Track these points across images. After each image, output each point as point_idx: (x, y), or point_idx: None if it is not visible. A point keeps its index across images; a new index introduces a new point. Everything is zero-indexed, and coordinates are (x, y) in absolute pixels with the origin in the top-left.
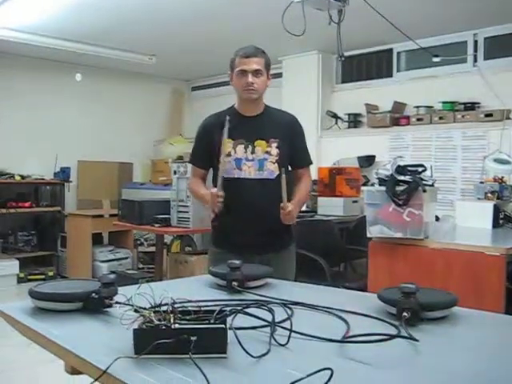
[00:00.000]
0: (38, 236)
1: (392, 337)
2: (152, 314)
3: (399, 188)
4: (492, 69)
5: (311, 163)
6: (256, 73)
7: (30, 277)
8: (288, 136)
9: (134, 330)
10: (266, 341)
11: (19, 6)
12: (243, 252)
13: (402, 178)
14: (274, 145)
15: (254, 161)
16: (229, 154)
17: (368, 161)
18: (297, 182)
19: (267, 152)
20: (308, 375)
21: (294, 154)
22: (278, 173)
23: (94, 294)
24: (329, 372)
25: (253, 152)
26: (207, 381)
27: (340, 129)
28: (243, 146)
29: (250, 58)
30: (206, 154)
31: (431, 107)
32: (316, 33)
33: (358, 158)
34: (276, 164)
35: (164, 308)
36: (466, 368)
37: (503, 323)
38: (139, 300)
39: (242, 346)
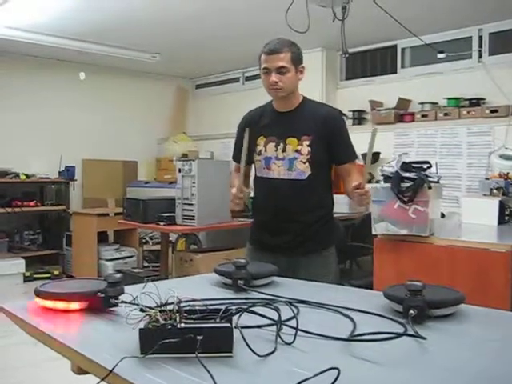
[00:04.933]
0: (43, 235)
1: (399, 335)
2: (158, 314)
3: (404, 185)
4: (497, 64)
5: (357, 158)
6: (280, 70)
7: (35, 275)
8: (325, 131)
9: (140, 329)
10: (272, 339)
11: (21, 5)
12: (272, 252)
13: (407, 174)
14: (306, 143)
15: (284, 160)
16: (260, 153)
17: (373, 158)
18: (348, 178)
19: (297, 151)
20: (315, 375)
21: (336, 150)
22: (309, 173)
23: (99, 294)
24: (335, 371)
25: (284, 150)
26: (213, 380)
27: None
28: (274, 143)
29: (274, 55)
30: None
31: (436, 103)
32: (320, 30)
33: (363, 154)
34: (307, 164)
35: (170, 307)
36: (474, 366)
37: (510, 320)
38: (145, 299)
39: (248, 345)
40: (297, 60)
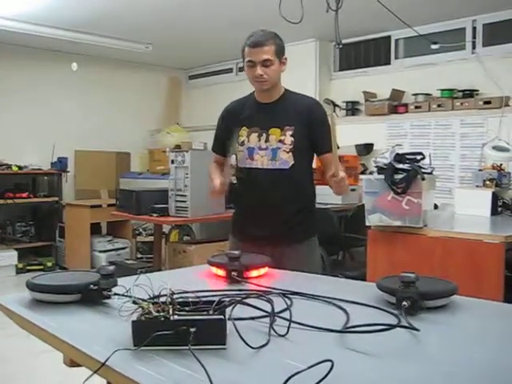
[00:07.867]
0: (36, 226)
1: (392, 326)
2: (151, 306)
3: (398, 176)
4: (491, 56)
5: (337, 148)
6: (265, 63)
7: (28, 267)
8: (306, 122)
9: (133, 321)
10: (266, 331)
11: None
12: (256, 243)
13: (400, 166)
14: (289, 133)
15: (267, 150)
16: (242, 143)
17: (366, 149)
18: (327, 168)
19: (281, 141)
20: (308, 367)
21: (316, 140)
22: (292, 162)
23: (92, 286)
24: (329, 364)
25: (266, 140)
26: (206, 372)
27: (338, 117)
28: (257, 134)
29: (258, 48)
30: (223, 140)
31: (429, 95)
32: (313, 20)
33: (356, 146)
34: (290, 153)
35: (163, 299)
36: (467, 357)
37: (503, 312)
38: (138, 291)
39: (242, 337)
40: (280, 52)
